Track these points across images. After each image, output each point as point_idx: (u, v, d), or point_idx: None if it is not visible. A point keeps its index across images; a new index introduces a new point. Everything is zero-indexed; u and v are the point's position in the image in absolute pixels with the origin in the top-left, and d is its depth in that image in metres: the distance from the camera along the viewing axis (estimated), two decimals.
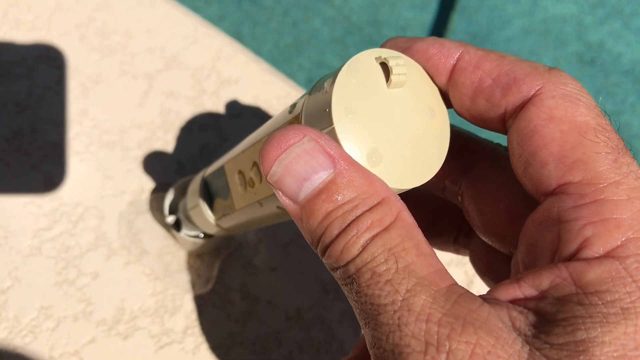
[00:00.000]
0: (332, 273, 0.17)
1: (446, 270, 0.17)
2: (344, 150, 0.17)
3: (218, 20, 1.19)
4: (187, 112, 0.38)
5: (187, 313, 0.34)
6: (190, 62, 0.39)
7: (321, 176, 0.17)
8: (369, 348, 0.16)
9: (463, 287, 0.16)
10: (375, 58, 0.19)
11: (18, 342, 0.32)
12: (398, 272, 0.16)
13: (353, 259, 0.16)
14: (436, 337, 0.15)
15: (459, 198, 0.23)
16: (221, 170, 0.26)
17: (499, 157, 0.22)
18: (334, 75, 0.18)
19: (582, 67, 1.19)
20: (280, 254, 0.37)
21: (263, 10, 1.24)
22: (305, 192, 0.17)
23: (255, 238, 0.37)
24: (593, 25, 1.25)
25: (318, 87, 0.19)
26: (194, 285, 0.35)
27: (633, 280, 0.15)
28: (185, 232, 0.33)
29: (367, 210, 0.16)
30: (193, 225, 0.32)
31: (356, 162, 0.17)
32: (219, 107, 0.39)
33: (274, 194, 0.22)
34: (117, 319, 0.34)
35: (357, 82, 0.18)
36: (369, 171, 0.17)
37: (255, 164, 0.23)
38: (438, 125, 0.19)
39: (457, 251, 0.25)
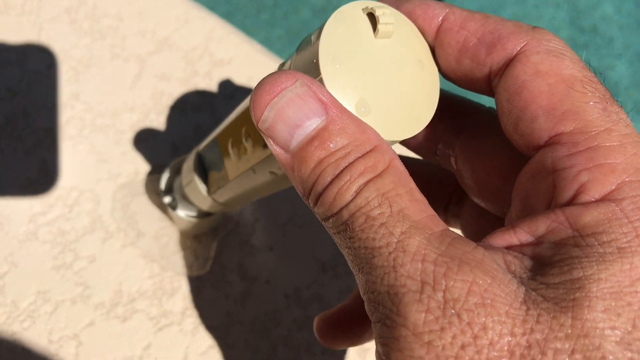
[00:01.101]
0: (324, 223, 0.17)
1: (438, 217, 0.17)
2: (335, 98, 0.17)
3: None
4: (180, 93, 0.38)
5: (185, 294, 0.34)
6: (182, 44, 0.39)
7: (313, 123, 0.17)
8: (362, 294, 0.16)
9: (456, 233, 0.16)
10: (362, 9, 0.18)
11: (16, 327, 0.32)
12: (392, 215, 0.16)
13: (347, 205, 0.16)
14: (432, 276, 0.15)
15: (452, 162, 0.23)
16: (214, 142, 0.26)
17: (491, 117, 0.22)
18: (320, 28, 0.18)
19: (575, 51, 1.19)
20: (277, 233, 0.37)
21: (253, 2, 1.24)
22: (298, 139, 0.17)
23: (252, 218, 0.37)
24: (586, 9, 1.25)
25: (305, 42, 0.19)
26: (191, 266, 0.35)
27: (629, 221, 0.15)
28: (182, 212, 0.33)
29: (360, 157, 0.16)
30: (189, 203, 0.31)
31: (347, 110, 0.17)
32: (212, 88, 0.38)
33: (266, 159, 0.21)
34: (115, 302, 0.34)
35: (344, 33, 0.18)
36: (360, 119, 0.17)
37: (246, 131, 0.22)
38: (427, 78, 0.19)
39: (447, 221, 0.25)
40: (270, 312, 0.35)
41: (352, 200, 0.16)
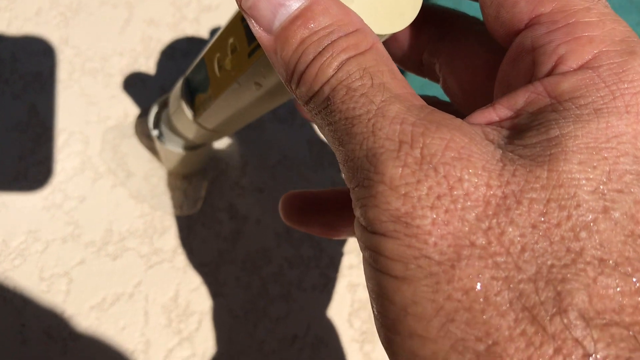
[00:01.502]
0: (306, 107, 0.17)
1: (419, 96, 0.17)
2: None
3: None
4: (168, 39, 0.38)
5: (176, 233, 0.34)
6: None
7: (297, 2, 0.17)
8: (342, 167, 0.16)
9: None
10: None
11: (7, 264, 0.32)
12: (373, 86, 0.16)
13: (328, 80, 0.16)
14: (410, 135, 0.15)
15: (437, 69, 0.23)
16: (201, 62, 0.26)
17: (473, 22, 0.23)
18: None
19: None
20: (266, 175, 0.37)
21: None
22: (280, 19, 0.17)
23: (242, 160, 0.37)
24: None
25: None
26: (182, 206, 0.35)
27: (606, 85, 0.15)
28: (170, 145, 0.33)
29: (342, 36, 0.16)
30: (177, 135, 0.31)
31: None
32: (201, 34, 0.39)
33: (250, 69, 0.22)
34: (106, 241, 0.34)
35: None
36: (343, 3, 0.17)
37: (232, 43, 0.23)
38: None
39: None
40: (261, 251, 0.35)
41: (333, 75, 0.16)
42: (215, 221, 0.35)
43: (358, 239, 0.16)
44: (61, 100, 0.36)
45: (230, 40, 0.23)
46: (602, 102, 0.15)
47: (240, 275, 0.34)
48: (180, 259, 0.34)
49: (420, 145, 0.15)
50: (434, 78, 0.24)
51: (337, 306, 0.35)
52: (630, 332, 0.13)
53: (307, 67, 0.16)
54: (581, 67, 0.16)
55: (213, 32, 0.39)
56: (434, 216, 0.14)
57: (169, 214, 0.35)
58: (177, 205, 0.35)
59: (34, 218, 0.33)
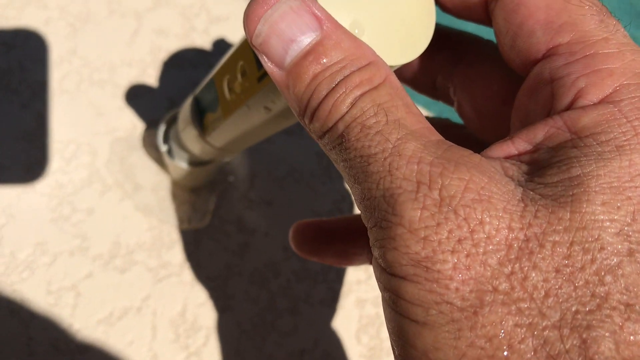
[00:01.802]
0: (320, 142, 0.17)
1: (435, 130, 0.17)
2: (329, 13, 0.17)
3: None
4: (177, 49, 0.38)
5: (184, 246, 0.34)
6: (179, 1, 0.39)
7: (308, 38, 0.16)
8: (358, 205, 0.16)
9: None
10: None
11: (15, 277, 0.32)
12: (388, 123, 0.15)
13: (342, 117, 0.16)
14: (428, 176, 0.14)
15: (451, 93, 0.23)
16: (210, 83, 0.26)
17: (489, 47, 0.22)
18: None
19: None
20: (275, 188, 0.37)
21: None
22: (292, 55, 0.16)
23: (250, 173, 0.37)
24: None
25: None
26: (190, 219, 0.35)
27: (627, 120, 0.15)
28: (178, 161, 0.32)
29: (355, 71, 0.16)
30: (185, 151, 0.31)
31: (342, 26, 0.17)
32: (209, 45, 0.38)
33: (259, 93, 0.21)
34: (114, 254, 0.34)
35: None
36: (355, 36, 0.17)
37: (242, 66, 0.22)
38: (423, 3, 0.19)
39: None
40: (269, 264, 0.35)
41: (347, 112, 0.16)
42: (223, 234, 0.35)
43: (377, 279, 0.15)
44: (69, 110, 0.35)
45: (240, 64, 0.23)
46: (624, 138, 0.15)
47: (249, 289, 0.34)
48: (188, 272, 0.34)
49: (439, 186, 0.14)
50: (447, 101, 0.24)
51: (345, 321, 0.35)
52: None
53: (320, 103, 0.16)
54: (602, 101, 0.16)
55: (222, 43, 0.38)
56: (455, 260, 0.14)
57: (176, 227, 0.35)
58: (185, 218, 0.35)
59: (42, 230, 0.33)
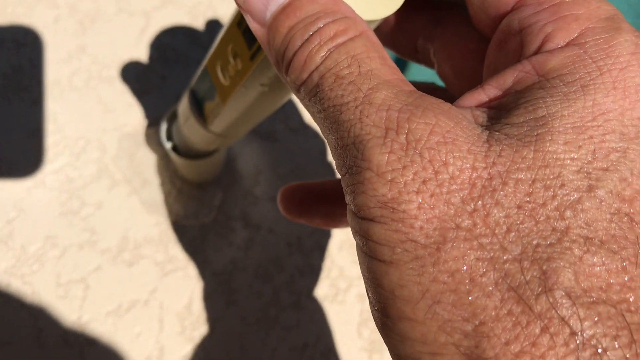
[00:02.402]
0: (297, 95, 0.17)
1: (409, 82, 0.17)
2: None
3: None
4: (184, 48, 0.38)
5: (190, 241, 0.35)
6: (186, 0, 0.40)
7: None
8: (332, 154, 0.16)
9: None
10: None
11: (26, 269, 0.33)
12: (361, 74, 0.16)
13: (317, 67, 0.16)
14: (396, 122, 0.15)
15: (432, 54, 0.23)
16: (204, 72, 0.26)
17: (465, 7, 0.23)
18: None
19: None
20: (280, 184, 0.37)
21: None
22: (271, 10, 0.17)
23: (255, 170, 0.37)
24: None
25: None
26: (196, 214, 0.36)
27: (593, 61, 0.15)
28: (184, 155, 0.33)
29: (330, 22, 0.16)
30: (189, 144, 0.32)
31: None
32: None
33: (254, 71, 0.22)
34: (122, 248, 0.34)
35: None
36: None
37: (232, 49, 0.23)
38: None
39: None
40: (274, 259, 0.36)
41: (322, 63, 0.16)
42: (228, 230, 0.36)
43: (350, 225, 0.16)
44: (79, 107, 0.36)
45: (230, 47, 0.23)
46: (589, 78, 0.15)
47: (253, 284, 0.35)
48: (194, 267, 0.35)
49: (406, 131, 0.15)
50: (428, 64, 0.24)
51: (347, 316, 0.35)
52: (617, 310, 0.13)
53: (295, 54, 0.17)
54: (568, 44, 0.16)
55: None
56: (420, 200, 0.14)
57: (183, 222, 0.35)
58: (192, 213, 0.36)
59: (52, 224, 0.34)
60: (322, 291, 0.35)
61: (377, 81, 0.16)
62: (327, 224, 0.27)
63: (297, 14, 0.17)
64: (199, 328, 0.34)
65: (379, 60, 0.16)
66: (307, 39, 0.16)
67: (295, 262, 0.36)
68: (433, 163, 0.14)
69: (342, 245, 0.37)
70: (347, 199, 0.16)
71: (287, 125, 0.39)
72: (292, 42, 0.17)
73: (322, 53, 0.16)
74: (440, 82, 0.25)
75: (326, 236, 0.37)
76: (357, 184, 0.15)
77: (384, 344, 0.16)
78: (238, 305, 0.34)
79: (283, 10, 0.17)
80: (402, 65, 0.51)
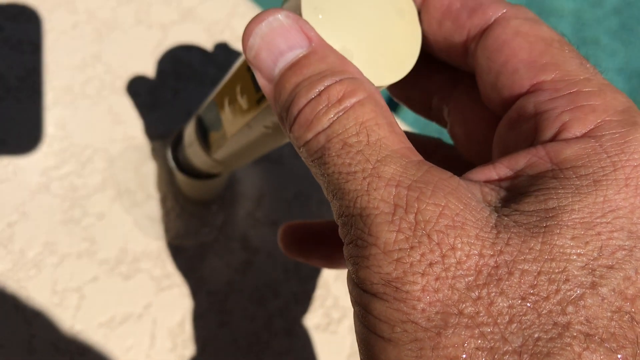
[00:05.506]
0: (299, 151, 0.17)
1: (416, 150, 0.17)
2: (319, 34, 0.17)
3: None
4: (199, 64, 0.39)
5: (189, 259, 0.35)
6: (205, 17, 0.40)
7: (296, 52, 0.17)
8: (336, 219, 0.16)
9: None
10: None
11: (22, 274, 0.33)
12: (369, 144, 0.16)
13: (324, 130, 0.16)
14: (405, 200, 0.15)
15: (445, 114, 0.23)
16: (212, 103, 0.27)
17: None
18: None
19: None
20: (282, 208, 0.38)
21: None
22: (279, 67, 0.17)
23: (259, 192, 0.38)
24: (590, 22, 1.26)
25: None
26: (197, 233, 0.36)
27: (608, 156, 0.15)
28: (187, 175, 0.33)
29: (337, 81, 0.16)
30: (193, 166, 0.32)
31: (330, 45, 0.17)
32: (231, 63, 0.39)
33: (259, 114, 0.22)
34: (120, 260, 0.35)
35: None
36: (342, 54, 0.17)
37: (241, 88, 0.23)
38: (409, 26, 0.20)
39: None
40: (270, 284, 0.36)
41: (329, 127, 0.16)
42: (227, 251, 0.36)
43: (349, 292, 0.16)
44: (89, 115, 0.36)
45: (239, 87, 0.23)
46: (602, 173, 0.15)
47: (247, 307, 0.35)
48: (191, 284, 0.35)
49: (415, 210, 0.15)
50: (441, 122, 0.24)
51: (337, 347, 0.36)
52: None
53: (300, 111, 0.17)
54: (584, 136, 0.16)
55: None
56: (425, 283, 0.14)
57: (183, 239, 0.36)
58: (192, 231, 0.36)
59: (52, 231, 0.34)
60: (315, 320, 0.36)
61: (385, 152, 0.16)
62: (326, 264, 0.27)
63: (303, 72, 0.17)
64: (190, 347, 0.34)
65: (387, 128, 0.16)
66: (314, 98, 0.17)
67: (291, 288, 0.36)
68: (441, 246, 0.14)
69: (338, 275, 0.37)
70: (350, 267, 0.16)
71: (293, 150, 0.39)
72: (297, 99, 0.17)
73: (330, 115, 0.16)
74: (446, 138, 0.25)
75: None
76: (362, 258, 0.15)
77: None
78: (231, 327, 0.35)
79: (290, 67, 0.17)
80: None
